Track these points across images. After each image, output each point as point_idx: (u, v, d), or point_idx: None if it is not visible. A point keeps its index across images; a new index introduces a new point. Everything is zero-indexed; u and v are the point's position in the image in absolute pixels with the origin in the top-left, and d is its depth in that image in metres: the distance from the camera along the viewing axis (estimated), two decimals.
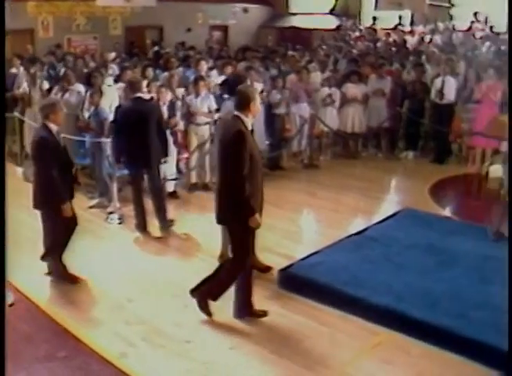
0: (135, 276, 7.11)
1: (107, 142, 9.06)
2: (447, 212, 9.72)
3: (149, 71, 11.46)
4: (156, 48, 19.15)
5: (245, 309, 6.15)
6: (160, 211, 8.37)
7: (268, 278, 6.93)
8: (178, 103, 9.99)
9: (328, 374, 5.33)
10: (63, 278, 6.88)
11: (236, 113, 5.80)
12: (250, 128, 5.79)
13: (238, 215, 5.75)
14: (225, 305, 6.30)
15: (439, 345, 5.64)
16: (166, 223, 8.39)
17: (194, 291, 6.17)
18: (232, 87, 6.95)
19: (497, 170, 10.89)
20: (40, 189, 6.63)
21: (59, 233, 6.81)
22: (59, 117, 6.73)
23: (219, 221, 6.05)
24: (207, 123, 10.06)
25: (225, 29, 25.36)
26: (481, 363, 5.40)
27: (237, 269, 6.02)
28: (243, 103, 5.76)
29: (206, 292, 6.14)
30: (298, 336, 5.86)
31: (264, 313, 6.18)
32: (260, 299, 6.48)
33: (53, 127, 6.64)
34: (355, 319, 6.10)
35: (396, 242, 7.74)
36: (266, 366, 5.39)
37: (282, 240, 7.21)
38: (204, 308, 6.12)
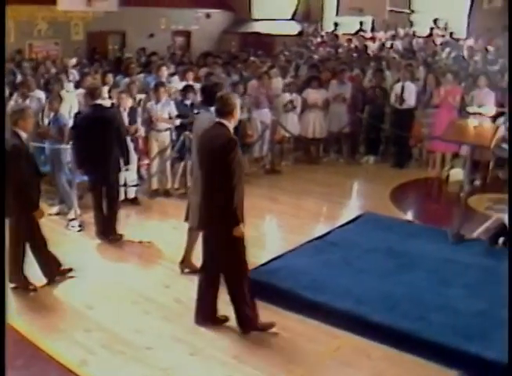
0: (95, 283, 7.05)
1: (67, 148, 8.96)
2: (408, 216, 9.83)
3: (109, 77, 11.38)
4: (118, 53, 19.06)
5: (209, 315, 6.12)
6: (110, 221, 8.30)
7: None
8: (139, 110, 9.95)
9: None
10: (24, 286, 6.81)
11: (219, 120, 5.74)
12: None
13: (228, 224, 5.70)
14: (185, 312, 6.31)
15: (399, 348, 5.69)
16: (111, 235, 8.28)
17: (245, 329, 6.01)
18: (208, 95, 6.90)
19: (457, 174, 11.06)
20: (12, 197, 6.49)
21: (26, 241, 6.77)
22: (29, 123, 6.70)
23: (203, 227, 6.01)
24: (167, 129, 10.04)
25: (187, 34, 25.29)
26: (442, 365, 5.47)
27: (244, 276, 5.93)
28: (227, 110, 5.71)
29: (247, 319, 5.99)
30: (259, 341, 5.87)
31: (225, 319, 6.17)
32: (220, 305, 6.47)
33: (22, 134, 6.59)
34: (316, 323, 6.12)
35: (356, 246, 7.78)
36: (227, 372, 5.38)
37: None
38: (263, 328, 6.02)
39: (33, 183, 6.63)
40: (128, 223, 9.09)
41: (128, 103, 9.51)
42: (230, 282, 5.92)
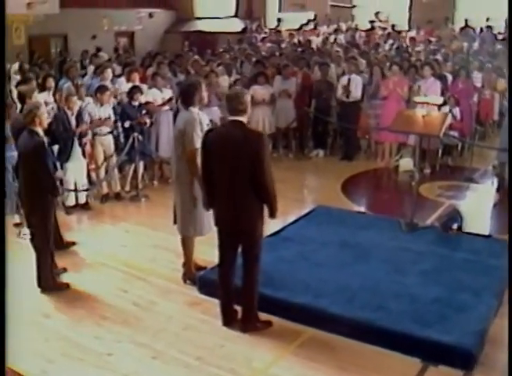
0: (50, 291, 6.89)
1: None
2: (360, 207, 9.90)
3: (50, 81, 11.04)
4: (58, 57, 18.75)
5: (252, 320, 6.00)
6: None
7: (188, 284, 6.89)
8: (86, 113, 9.71)
9: None
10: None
11: (234, 118, 5.65)
12: None
13: (262, 217, 5.73)
14: (145, 315, 6.26)
15: (361, 339, 5.72)
16: (58, 244, 7.57)
17: (249, 328, 5.97)
18: (186, 95, 6.70)
19: (406, 163, 11.19)
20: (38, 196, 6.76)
21: None
22: (44, 120, 6.85)
23: (240, 228, 5.80)
24: (110, 132, 9.89)
25: (131, 35, 25.09)
26: (403, 353, 5.51)
27: (257, 275, 5.89)
28: (242, 108, 5.64)
29: (253, 318, 5.99)
30: (221, 341, 5.82)
31: (269, 323, 6.08)
32: (181, 306, 6.46)
33: (39, 131, 6.72)
34: (277, 319, 6.09)
35: (311, 240, 7.79)
36: (190, 374, 5.32)
37: (199, 246, 7.14)
38: (260, 328, 5.99)
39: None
40: (81, 229, 8.97)
41: (76, 106, 9.28)
42: (248, 277, 5.87)
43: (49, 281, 6.93)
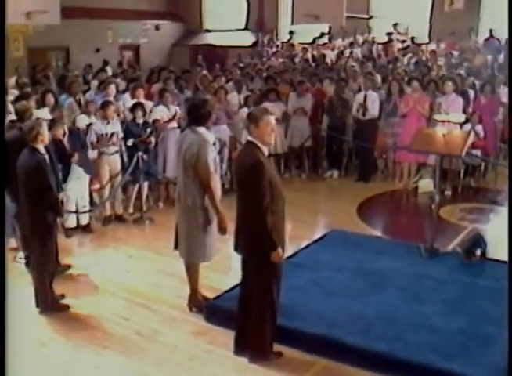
0: (47, 319, 6.92)
1: None
2: (377, 232, 9.86)
3: (50, 97, 10.98)
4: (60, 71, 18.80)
5: (262, 350, 5.98)
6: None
7: (194, 312, 6.89)
8: (93, 131, 9.74)
9: None
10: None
11: (249, 138, 5.68)
12: (266, 153, 5.68)
13: (261, 249, 5.62)
14: (148, 345, 6.28)
15: (377, 370, 5.70)
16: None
17: (239, 353, 6.02)
18: (196, 115, 6.60)
19: (427, 184, 11.15)
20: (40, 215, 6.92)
21: None
22: (46, 136, 7.00)
23: (242, 253, 5.88)
24: (117, 151, 9.96)
25: (136, 48, 25.20)
26: None
27: (267, 306, 5.85)
28: (253, 127, 5.59)
29: (261, 348, 5.96)
30: (229, 372, 5.82)
31: (280, 354, 6.07)
32: (186, 335, 6.46)
33: (41, 148, 6.91)
34: (289, 349, 6.09)
35: (324, 266, 7.79)
36: None
37: (206, 272, 7.15)
38: (271, 358, 5.97)
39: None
40: (81, 253, 9.01)
41: (62, 131, 9.09)
42: (254, 307, 5.85)
43: (48, 302, 7.03)
